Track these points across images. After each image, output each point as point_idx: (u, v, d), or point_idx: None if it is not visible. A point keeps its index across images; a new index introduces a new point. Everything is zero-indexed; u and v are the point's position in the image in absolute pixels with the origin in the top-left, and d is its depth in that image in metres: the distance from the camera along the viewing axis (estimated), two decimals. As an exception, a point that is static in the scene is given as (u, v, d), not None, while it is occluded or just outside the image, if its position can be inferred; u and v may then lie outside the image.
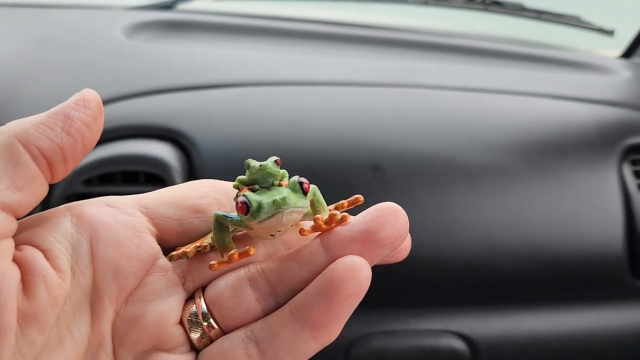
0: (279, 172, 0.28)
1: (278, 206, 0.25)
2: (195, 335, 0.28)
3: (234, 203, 0.28)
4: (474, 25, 1.13)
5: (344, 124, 0.65)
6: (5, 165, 0.25)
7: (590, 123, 0.72)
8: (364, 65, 0.78)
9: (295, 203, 0.26)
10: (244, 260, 0.28)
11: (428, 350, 0.65)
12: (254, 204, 0.25)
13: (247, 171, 0.28)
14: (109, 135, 0.61)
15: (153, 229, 0.29)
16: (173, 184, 0.58)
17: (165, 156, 0.60)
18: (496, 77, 0.81)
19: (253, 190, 0.27)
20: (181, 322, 0.28)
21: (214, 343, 0.28)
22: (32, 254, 0.25)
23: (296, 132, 0.63)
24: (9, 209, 0.25)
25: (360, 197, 0.29)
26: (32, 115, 0.26)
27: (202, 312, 0.28)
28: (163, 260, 0.29)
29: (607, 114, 0.75)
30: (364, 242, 0.25)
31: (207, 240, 0.29)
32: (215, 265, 0.27)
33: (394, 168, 0.63)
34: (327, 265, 0.26)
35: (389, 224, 0.25)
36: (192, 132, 0.62)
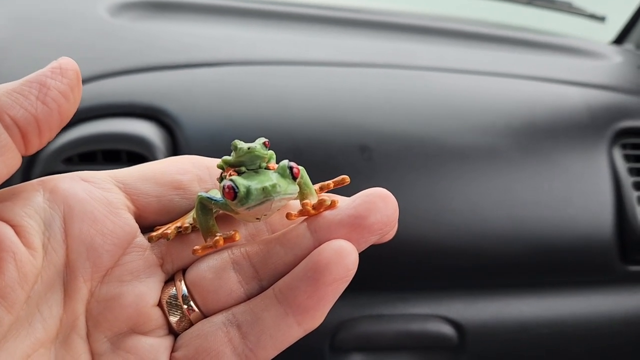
0: (266, 154, 0.27)
1: (268, 193, 0.24)
2: (174, 318, 0.27)
3: (217, 182, 0.28)
4: (466, 11, 1.12)
5: (332, 104, 0.64)
6: None
7: (582, 106, 0.72)
8: (354, 46, 0.77)
9: (285, 190, 0.25)
10: (228, 244, 0.27)
11: (415, 334, 0.64)
12: (242, 190, 0.24)
13: (234, 152, 0.26)
14: (91, 114, 0.60)
15: (131, 206, 0.28)
16: (156, 163, 0.57)
17: (149, 135, 0.58)
18: (487, 59, 0.80)
19: (239, 173, 0.26)
20: (159, 305, 0.28)
21: (193, 326, 0.27)
22: (1, 229, 0.24)
23: (283, 112, 0.62)
24: None
25: (346, 177, 0.29)
26: None
27: (183, 295, 0.27)
28: (141, 239, 0.28)
29: (598, 98, 0.75)
30: (352, 227, 0.25)
31: (187, 220, 0.28)
32: (199, 251, 0.27)
33: (382, 149, 0.62)
34: (314, 250, 0.25)
35: (378, 209, 0.25)
36: (176, 111, 0.60)
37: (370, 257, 0.60)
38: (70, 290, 0.26)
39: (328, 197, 0.26)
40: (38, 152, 0.57)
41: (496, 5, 1.05)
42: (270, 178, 0.25)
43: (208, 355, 0.26)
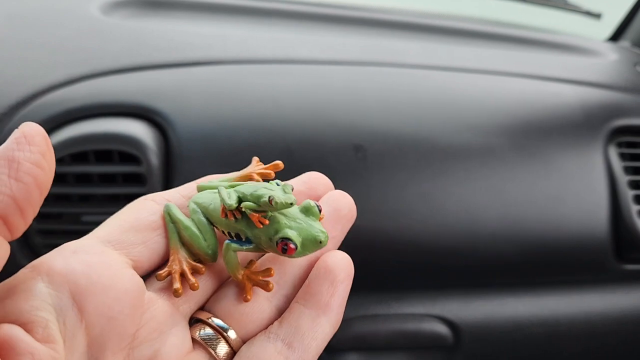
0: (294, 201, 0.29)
1: (320, 245, 0.27)
2: (222, 350, 0.28)
3: (221, 218, 0.29)
4: (459, 7, 1.12)
5: (325, 104, 0.64)
6: None
7: (577, 105, 0.72)
8: (347, 44, 0.76)
9: (327, 235, 0.28)
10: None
11: (410, 334, 0.64)
12: (300, 247, 0.27)
13: (266, 204, 0.27)
14: (83, 113, 0.59)
15: (128, 261, 0.27)
16: (148, 163, 0.57)
17: (141, 135, 0.58)
18: (481, 57, 0.79)
19: (266, 217, 0.28)
20: (195, 346, 0.28)
21: (239, 352, 0.28)
22: (9, 332, 0.22)
23: (276, 111, 0.62)
24: None
25: (279, 163, 0.32)
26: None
27: (220, 327, 0.28)
28: (150, 293, 0.28)
29: (593, 96, 0.74)
30: (336, 219, 0.31)
31: (182, 264, 0.29)
32: (249, 298, 0.29)
33: (376, 149, 0.62)
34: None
35: (344, 202, 0.32)
36: (168, 111, 0.60)
37: (365, 257, 0.60)
38: None
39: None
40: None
41: (490, 2, 1.05)
42: (312, 226, 0.28)
43: None
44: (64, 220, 0.58)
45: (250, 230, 0.28)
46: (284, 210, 0.28)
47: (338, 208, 0.31)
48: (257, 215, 0.28)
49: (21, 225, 0.22)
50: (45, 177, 0.23)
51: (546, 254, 0.65)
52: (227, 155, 0.59)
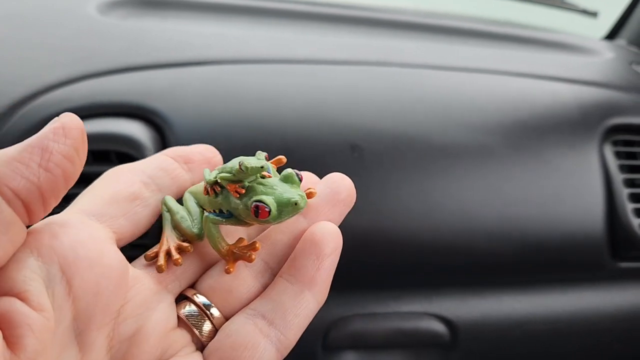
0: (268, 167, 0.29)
1: (299, 208, 0.27)
2: (206, 328, 0.28)
3: (203, 196, 0.30)
4: (455, 6, 1.12)
5: (322, 103, 0.64)
6: None
7: (573, 103, 0.72)
8: (344, 44, 0.76)
9: (304, 197, 0.27)
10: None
11: (407, 332, 0.64)
12: (274, 209, 0.26)
13: (240, 172, 0.27)
14: (80, 114, 0.58)
15: (111, 235, 0.27)
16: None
17: (138, 135, 0.58)
18: (477, 56, 0.80)
19: (243, 187, 0.28)
20: (180, 324, 0.28)
21: (220, 330, 0.28)
22: (8, 304, 0.22)
23: (273, 110, 0.62)
24: None
25: (282, 157, 0.31)
26: None
27: (204, 304, 0.28)
28: (134, 270, 0.28)
29: (589, 95, 0.74)
30: (332, 203, 0.30)
31: (170, 244, 0.29)
32: (231, 270, 0.28)
33: (372, 148, 0.62)
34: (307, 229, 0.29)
35: (344, 186, 0.30)
36: (166, 111, 0.60)
37: (362, 256, 0.60)
38: (84, 344, 0.25)
39: (312, 189, 0.30)
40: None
41: (486, 1, 1.05)
42: (289, 190, 0.27)
43: (245, 348, 0.26)
44: None
45: (229, 202, 0.28)
46: (263, 181, 0.28)
47: (336, 191, 0.30)
48: (234, 185, 0.27)
49: (40, 213, 0.23)
50: (74, 171, 0.23)
51: (542, 252, 0.65)
52: (225, 155, 0.59)
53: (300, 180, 0.28)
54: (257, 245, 0.28)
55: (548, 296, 0.68)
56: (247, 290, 0.29)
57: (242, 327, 0.27)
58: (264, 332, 0.27)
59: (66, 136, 0.23)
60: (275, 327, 0.27)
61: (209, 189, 0.29)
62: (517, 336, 0.67)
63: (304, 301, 0.27)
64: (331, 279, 0.28)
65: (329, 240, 0.28)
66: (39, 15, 0.71)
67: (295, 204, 0.26)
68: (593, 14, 1.05)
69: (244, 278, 0.29)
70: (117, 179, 0.30)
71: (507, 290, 0.67)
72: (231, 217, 0.28)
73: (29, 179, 0.22)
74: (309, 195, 0.29)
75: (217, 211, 0.29)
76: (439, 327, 0.65)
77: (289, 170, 0.28)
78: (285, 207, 0.26)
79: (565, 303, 0.68)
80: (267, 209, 0.26)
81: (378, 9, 0.94)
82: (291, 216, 0.27)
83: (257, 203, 0.26)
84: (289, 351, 0.27)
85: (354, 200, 0.31)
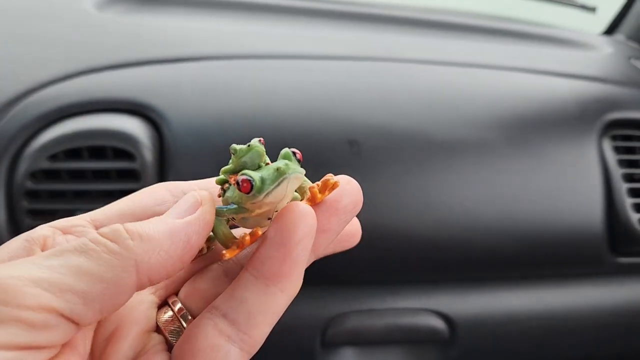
0: (264, 151, 0.27)
1: (282, 173, 0.25)
2: (174, 336, 0.27)
3: (219, 199, 0.28)
4: (454, 2, 1.12)
5: (320, 98, 0.64)
6: None
7: (571, 98, 0.72)
8: (342, 39, 0.76)
9: (296, 168, 0.25)
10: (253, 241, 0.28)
11: (406, 328, 0.64)
12: (257, 179, 0.25)
13: (233, 157, 0.27)
14: (77, 110, 0.59)
15: None
16: (142, 159, 0.57)
17: (134, 131, 0.58)
18: (476, 51, 0.79)
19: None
20: (158, 329, 0.28)
21: (184, 334, 0.26)
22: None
23: (271, 106, 0.62)
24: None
25: (337, 182, 0.28)
26: None
27: (179, 308, 0.28)
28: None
29: (588, 90, 0.74)
30: (330, 211, 0.27)
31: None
32: (227, 255, 0.27)
33: (370, 143, 0.61)
34: None
35: (347, 193, 0.27)
36: (162, 107, 0.60)
37: (360, 252, 0.60)
38: (70, 345, 0.24)
39: (330, 176, 0.27)
40: (23, 149, 0.57)
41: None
42: (278, 163, 0.25)
43: (205, 354, 0.25)
44: (59, 217, 0.58)
45: (233, 195, 0.27)
46: (263, 167, 0.26)
47: (336, 198, 0.27)
48: (234, 175, 0.26)
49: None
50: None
51: (541, 247, 0.65)
52: (222, 151, 0.58)
53: (299, 160, 0.26)
54: (259, 231, 0.27)
55: (547, 292, 0.67)
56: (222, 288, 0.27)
57: (202, 330, 0.25)
58: (226, 333, 0.25)
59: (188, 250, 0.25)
60: (238, 326, 0.25)
61: (220, 189, 0.28)
62: (515, 332, 0.67)
63: (269, 298, 0.25)
64: (303, 267, 0.26)
65: (298, 225, 0.25)
66: (35, 10, 0.71)
67: (277, 169, 0.25)
68: (591, 9, 1.05)
69: (223, 286, 0.27)
70: (149, 195, 0.29)
71: (505, 286, 0.67)
72: (233, 206, 0.27)
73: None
74: (333, 186, 0.27)
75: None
76: (437, 323, 0.65)
77: (286, 149, 0.26)
78: (269, 175, 0.25)
79: (564, 298, 0.68)
80: (249, 180, 0.25)
81: (375, 4, 0.94)
82: (278, 185, 0.25)
83: (242, 177, 0.25)
84: (256, 349, 0.25)
85: (359, 207, 0.28)
